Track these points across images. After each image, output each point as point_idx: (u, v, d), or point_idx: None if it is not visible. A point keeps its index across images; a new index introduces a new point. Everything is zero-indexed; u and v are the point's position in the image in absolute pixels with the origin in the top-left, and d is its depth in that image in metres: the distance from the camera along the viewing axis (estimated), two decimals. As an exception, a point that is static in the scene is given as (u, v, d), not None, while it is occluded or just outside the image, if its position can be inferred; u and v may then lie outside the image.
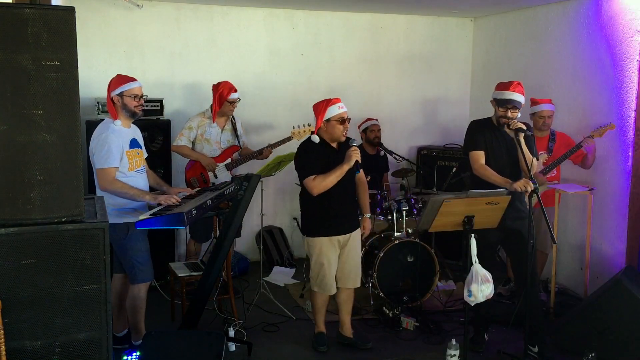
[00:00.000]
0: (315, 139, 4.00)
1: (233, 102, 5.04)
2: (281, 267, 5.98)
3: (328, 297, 4.18)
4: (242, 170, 5.42)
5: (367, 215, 4.25)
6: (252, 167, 5.51)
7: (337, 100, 3.98)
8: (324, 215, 4.01)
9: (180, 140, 5.02)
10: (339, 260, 4.11)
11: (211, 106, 5.09)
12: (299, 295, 5.25)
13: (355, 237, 4.16)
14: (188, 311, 4.01)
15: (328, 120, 3.94)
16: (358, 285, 4.23)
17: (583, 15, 5.17)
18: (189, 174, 5.10)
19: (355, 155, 3.88)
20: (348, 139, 4.02)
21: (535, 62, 5.75)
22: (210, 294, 4.12)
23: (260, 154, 5.11)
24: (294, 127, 5.13)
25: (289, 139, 5.12)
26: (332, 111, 3.93)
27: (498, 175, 3.86)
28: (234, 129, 5.19)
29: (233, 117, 5.21)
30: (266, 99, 6.19)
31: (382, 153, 5.86)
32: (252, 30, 6.09)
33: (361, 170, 4.15)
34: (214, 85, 5.07)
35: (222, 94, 4.98)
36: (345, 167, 3.89)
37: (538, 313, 4.03)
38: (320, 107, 3.98)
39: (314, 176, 3.91)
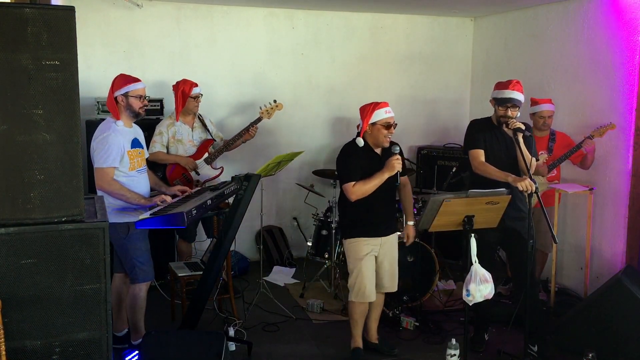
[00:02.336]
0: (360, 142, 3.86)
1: (196, 98, 5.03)
2: (281, 266, 5.98)
3: (367, 307, 4.01)
4: (236, 169, 5.41)
5: (410, 222, 4.10)
6: (253, 166, 5.51)
7: (384, 105, 3.84)
8: (363, 217, 3.89)
9: (154, 147, 4.95)
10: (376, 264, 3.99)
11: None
12: (299, 294, 5.25)
13: (393, 240, 4.05)
14: (188, 311, 4.01)
15: (374, 124, 3.81)
16: (394, 289, 4.11)
17: (583, 15, 5.17)
18: (171, 177, 5.05)
19: (398, 165, 3.74)
20: (391, 144, 3.88)
21: (535, 62, 5.74)
22: (210, 293, 4.12)
23: (240, 137, 5.07)
24: (260, 107, 5.15)
25: (259, 119, 5.14)
26: (379, 115, 3.79)
27: (498, 170, 3.83)
28: (203, 125, 5.18)
29: (200, 114, 5.18)
30: (266, 99, 6.16)
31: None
32: (252, 30, 6.09)
33: (406, 175, 4.09)
34: (173, 85, 5.05)
35: (185, 91, 4.96)
36: (386, 175, 3.75)
37: (538, 313, 4.03)
38: (367, 110, 3.85)
39: (353, 182, 3.78)
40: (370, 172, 3.80)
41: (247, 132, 5.10)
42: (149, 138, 5.00)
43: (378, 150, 3.92)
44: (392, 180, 3.80)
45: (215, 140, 5.21)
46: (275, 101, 5.21)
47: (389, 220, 4.02)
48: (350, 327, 4.06)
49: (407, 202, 4.12)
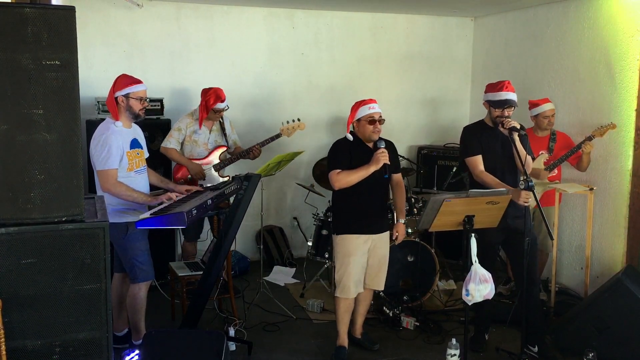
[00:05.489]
0: (349, 137, 4.02)
1: (219, 112, 4.96)
2: (281, 266, 5.98)
3: (351, 303, 4.07)
4: (234, 170, 5.39)
5: (401, 220, 4.13)
6: (253, 167, 5.51)
7: (370, 101, 3.99)
8: (353, 213, 3.97)
9: (169, 142, 4.94)
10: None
11: (198, 108, 5.03)
12: (299, 294, 5.25)
13: (384, 239, 4.08)
14: (188, 311, 4.02)
15: (359, 120, 3.96)
16: (381, 288, 4.17)
17: (583, 15, 5.17)
18: (177, 178, 5.02)
19: (383, 159, 3.82)
20: (379, 139, 3.97)
21: (535, 62, 5.74)
22: (210, 293, 4.12)
23: (249, 153, 5.04)
24: (282, 124, 5.12)
25: (278, 136, 5.11)
26: (363, 111, 3.94)
27: (497, 181, 3.87)
28: (222, 129, 5.14)
29: (221, 118, 5.15)
30: (266, 99, 6.19)
31: None
32: (253, 30, 6.09)
33: (400, 173, 4.16)
34: (203, 90, 4.99)
35: (208, 103, 4.90)
36: (372, 169, 3.83)
37: (537, 312, 4.03)
38: (353, 107, 4.02)
39: (338, 170, 3.90)
40: (361, 164, 3.88)
41: (254, 149, 5.03)
42: (149, 138, 5.00)
43: (370, 144, 4.02)
44: (380, 173, 3.86)
45: (229, 147, 5.16)
46: (298, 119, 5.13)
47: (379, 218, 4.07)
48: (337, 324, 4.11)
49: (399, 199, 4.14)
